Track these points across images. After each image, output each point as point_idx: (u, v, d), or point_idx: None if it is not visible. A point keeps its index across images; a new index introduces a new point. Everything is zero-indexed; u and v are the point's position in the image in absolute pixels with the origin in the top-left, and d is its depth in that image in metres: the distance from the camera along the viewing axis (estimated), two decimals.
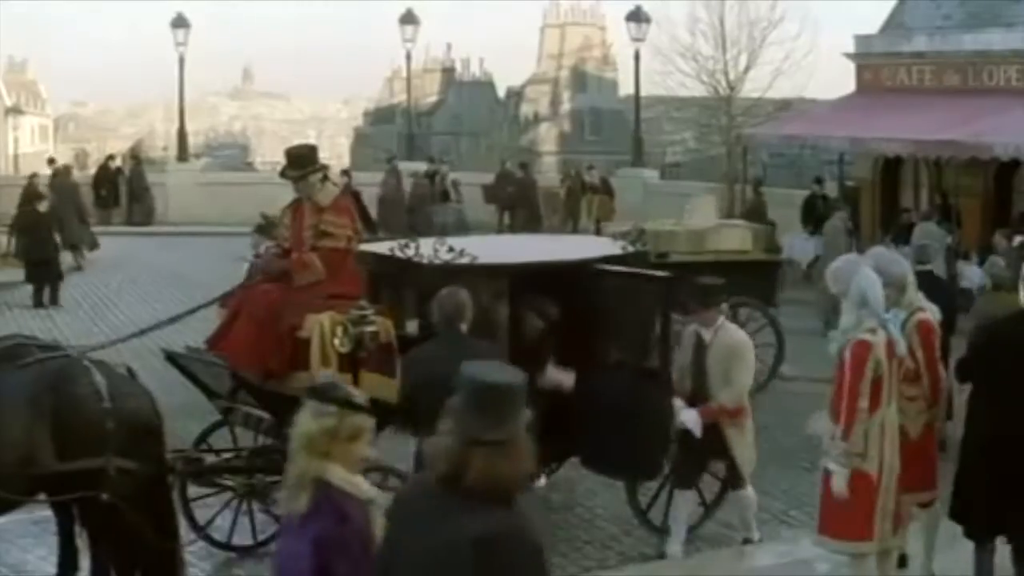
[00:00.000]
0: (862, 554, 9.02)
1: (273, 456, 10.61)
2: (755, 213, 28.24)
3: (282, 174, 10.96)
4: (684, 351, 11.19)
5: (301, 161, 10.64)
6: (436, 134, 47.48)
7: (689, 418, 10.81)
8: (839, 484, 8.79)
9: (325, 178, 10.77)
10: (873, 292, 8.88)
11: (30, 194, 27.95)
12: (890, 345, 8.84)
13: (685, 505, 11.16)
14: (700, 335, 11.06)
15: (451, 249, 10.33)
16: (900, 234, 25.85)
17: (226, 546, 11.20)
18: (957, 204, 26.76)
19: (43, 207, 25.92)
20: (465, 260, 10.36)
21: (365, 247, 10.99)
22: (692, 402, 11.02)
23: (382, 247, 10.93)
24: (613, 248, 11.49)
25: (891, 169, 29.84)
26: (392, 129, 48.63)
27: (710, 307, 11.06)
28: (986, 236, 25.36)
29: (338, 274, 10.48)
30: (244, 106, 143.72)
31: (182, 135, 40.51)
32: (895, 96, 28.10)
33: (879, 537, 8.93)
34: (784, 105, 37.30)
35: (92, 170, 40.68)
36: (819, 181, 30.30)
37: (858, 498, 8.82)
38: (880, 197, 29.87)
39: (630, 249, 11.48)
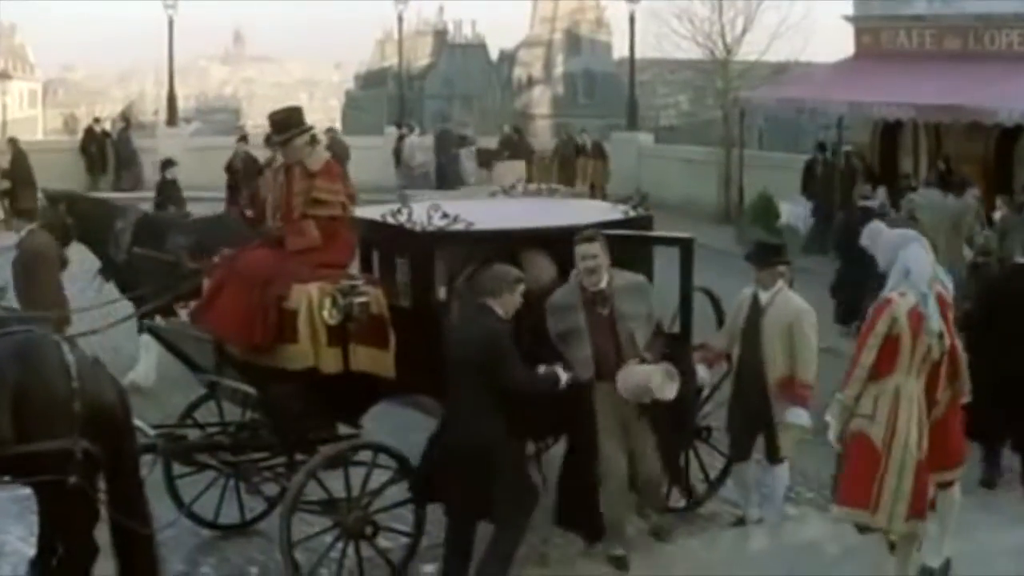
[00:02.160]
0: (864, 526, 8.67)
1: (259, 432, 10.23)
2: None
3: (267, 140, 10.52)
4: (737, 313, 10.88)
5: (285, 124, 10.16)
6: (428, 97, 47.00)
7: (800, 417, 10.53)
8: (831, 436, 8.69)
9: (313, 140, 10.29)
10: (917, 267, 8.71)
11: None
12: (917, 315, 8.53)
13: (747, 474, 11.06)
14: (757, 297, 10.75)
15: (445, 215, 9.86)
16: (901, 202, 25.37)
17: (212, 525, 10.81)
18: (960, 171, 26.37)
19: None
20: (460, 226, 9.88)
21: (355, 213, 10.51)
22: (740, 369, 10.79)
23: (373, 212, 10.45)
24: (615, 212, 11.00)
25: (890, 135, 29.43)
26: (383, 93, 48.14)
27: (765, 267, 10.76)
28: (988, 204, 24.87)
29: (332, 243, 10.04)
30: (235, 70, 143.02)
31: (171, 99, 40.03)
32: (895, 60, 27.71)
33: (886, 513, 8.53)
34: (781, 68, 36.83)
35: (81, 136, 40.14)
36: (822, 147, 29.88)
37: (860, 463, 8.57)
38: (879, 163, 29.38)
39: (632, 214, 11.00)
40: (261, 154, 26.64)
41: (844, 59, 30.21)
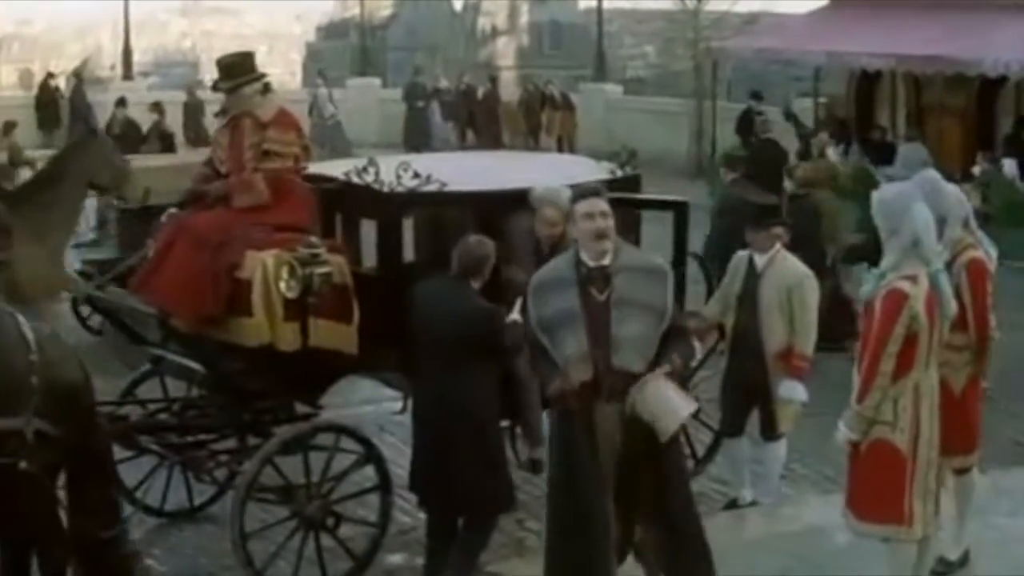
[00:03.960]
0: (897, 540, 7.69)
1: (208, 410, 9.34)
2: None
3: (214, 87, 9.58)
4: (732, 280, 10.10)
5: (234, 70, 9.23)
6: (391, 49, 45.97)
7: (795, 391, 9.84)
8: (839, 441, 7.64)
9: (266, 89, 9.35)
10: (928, 236, 7.51)
11: None
12: (932, 302, 7.47)
13: (740, 451, 10.28)
14: (752, 261, 9.98)
15: (417, 174, 8.93)
16: (878, 155, 24.61)
17: (159, 512, 9.94)
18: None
19: None
20: (433, 187, 8.97)
21: (316, 170, 9.58)
22: (735, 339, 10.02)
23: (336, 170, 9.53)
24: (600, 171, 10.09)
25: (866, 86, 28.66)
26: (346, 44, 47.14)
27: (760, 229, 10.00)
28: (967, 159, 24.46)
29: (285, 200, 9.14)
30: (194, 22, 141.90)
31: (127, 53, 39.47)
32: (873, 8, 26.74)
33: (921, 522, 7.60)
34: (752, 19, 36.00)
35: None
36: (757, 96, 29.09)
37: (886, 474, 7.49)
38: (855, 115, 28.64)
39: (620, 173, 10.11)
40: (147, 118, 26.37)
41: (821, 7, 29.31)
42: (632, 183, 10.12)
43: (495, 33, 45.43)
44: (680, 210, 9.79)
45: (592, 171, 10.12)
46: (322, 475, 8.62)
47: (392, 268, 9.06)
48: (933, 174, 8.44)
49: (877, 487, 7.52)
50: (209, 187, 9.35)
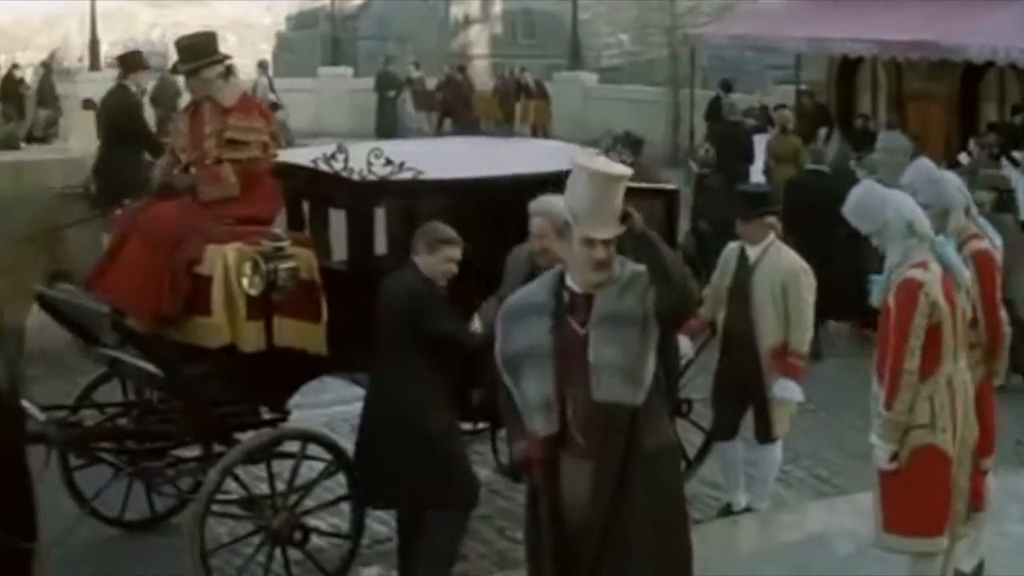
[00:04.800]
0: (931, 554, 7.08)
1: (169, 416, 8.72)
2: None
3: (173, 69, 8.96)
4: (723, 273, 9.51)
5: (194, 52, 8.61)
6: (362, 38, 45.28)
7: (791, 391, 9.27)
8: (877, 460, 6.96)
9: (228, 72, 8.72)
10: (917, 215, 6.96)
11: None
12: (949, 283, 6.90)
13: (733, 454, 9.71)
14: (744, 253, 9.40)
15: (389, 161, 8.31)
16: (859, 143, 23.95)
17: (117, 522, 9.29)
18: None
19: None
20: (407, 174, 8.36)
21: (281, 158, 8.94)
22: (727, 337, 9.44)
23: (302, 157, 8.90)
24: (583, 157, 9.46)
25: (846, 73, 28.12)
26: (316, 34, 46.42)
27: (752, 219, 9.38)
28: (951, 146, 23.99)
29: (252, 192, 8.55)
30: (163, 13, 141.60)
31: (94, 43, 39.15)
32: None
33: (952, 524, 7.01)
34: (727, 6, 35.44)
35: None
36: (727, 85, 28.52)
37: (931, 483, 6.89)
38: (836, 103, 28.09)
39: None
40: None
41: None
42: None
43: (468, 22, 44.76)
44: (670, 199, 9.26)
45: (579, 155, 9.49)
46: (289, 485, 8.04)
47: (363, 262, 8.46)
48: (928, 163, 7.95)
49: (921, 498, 6.92)
50: (175, 179, 8.74)
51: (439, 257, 7.66)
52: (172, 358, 8.19)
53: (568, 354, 5.79)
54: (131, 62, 14.26)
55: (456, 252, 7.68)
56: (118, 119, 13.76)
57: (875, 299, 7.05)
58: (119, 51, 42.71)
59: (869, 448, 6.96)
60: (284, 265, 7.98)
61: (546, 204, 7.55)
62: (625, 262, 5.86)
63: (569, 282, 5.89)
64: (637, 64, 40.18)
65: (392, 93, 34.47)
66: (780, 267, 9.27)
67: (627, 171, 5.91)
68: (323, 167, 8.45)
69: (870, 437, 7.01)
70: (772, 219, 9.55)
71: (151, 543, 9.21)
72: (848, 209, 7.18)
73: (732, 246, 9.56)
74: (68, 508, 8.80)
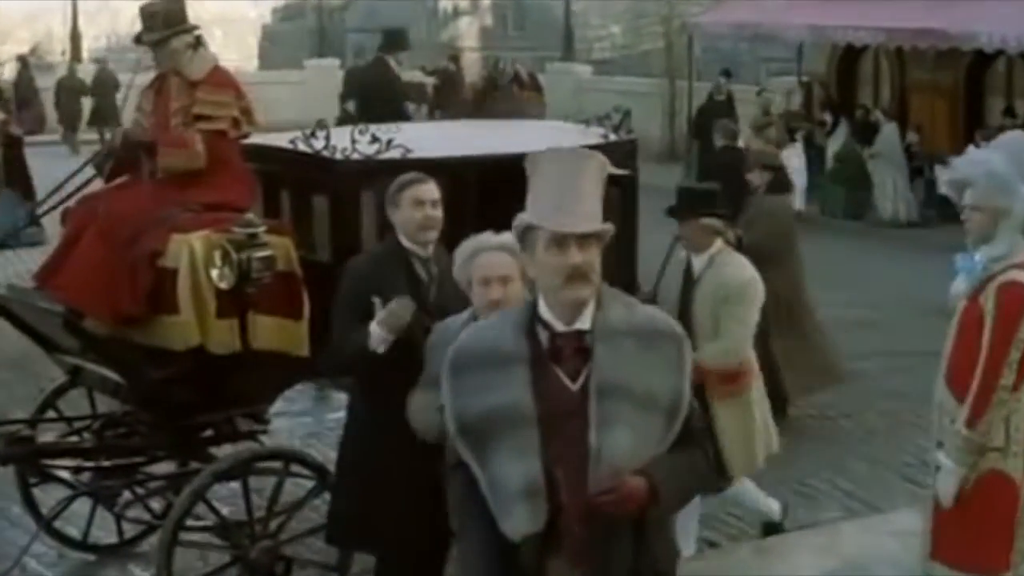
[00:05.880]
0: None
1: (136, 428, 7.81)
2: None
3: (137, 39, 8.06)
4: (671, 284, 8.15)
5: (161, 20, 7.73)
6: (349, 31, 44.50)
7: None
8: (945, 486, 6.07)
9: (198, 43, 7.81)
10: None
11: None
12: None
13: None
14: (690, 264, 7.96)
15: (375, 139, 7.41)
16: (861, 135, 23.98)
17: (81, 545, 8.38)
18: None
19: None
20: (395, 153, 7.50)
21: (256, 139, 8.04)
22: None
23: (280, 139, 8.00)
24: (587, 136, 8.59)
25: (848, 63, 27.49)
26: (303, 26, 45.75)
27: (687, 219, 7.84)
28: (956, 138, 23.40)
29: (219, 174, 7.66)
30: None
31: (75, 36, 38.74)
32: None
33: (1015, 562, 6.12)
34: None
35: None
36: (727, 73, 27.86)
37: (997, 512, 6.03)
38: (837, 93, 27.43)
39: (613, 137, 8.63)
40: None
41: None
42: (629, 148, 8.65)
43: (457, 13, 44.08)
44: (626, 186, 8.38)
45: (583, 136, 8.62)
46: (268, 510, 7.14)
47: (349, 252, 7.46)
48: (1017, 133, 6.93)
49: (983, 529, 6.03)
50: (131, 132, 7.85)
51: (404, 207, 6.34)
52: (135, 363, 7.32)
53: (557, 420, 4.22)
54: None
55: (420, 191, 6.34)
56: None
57: (958, 287, 6.15)
58: (103, 45, 42.22)
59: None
60: (258, 254, 7.07)
61: (502, 239, 5.51)
62: (632, 302, 4.40)
63: (545, 314, 4.29)
64: (630, 56, 39.61)
65: None
66: (723, 281, 7.73)
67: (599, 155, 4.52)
68: (302, 147, 7.57)
69: (937, 457, 6.10)
70: (714, 221, 7.88)
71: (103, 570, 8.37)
72: (979, 173, 6.09)
73: (681, 256, 8.15)
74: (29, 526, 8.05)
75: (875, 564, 7.70)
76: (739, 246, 8.21)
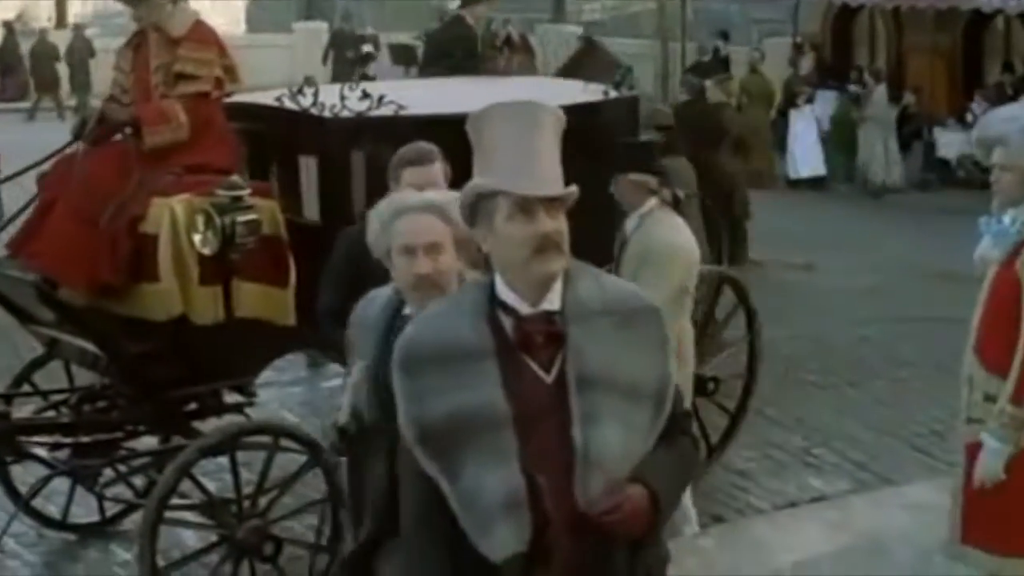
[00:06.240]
0: None
1: (116, 402, 7.46)
2: None
3: None
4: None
5: None
6: None
7: None
8: (991, 465, 5.69)
9: None
10: None
11: None
12: None
13: None
14: (624, 225, 7.34)
15: (366, 95, 7.05)
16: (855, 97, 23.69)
17: (61, 524, 8.03)
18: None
19: None
20: (388, 110, 7.13)
21: (240, 98, 7.68)
22: None
23: (265, 97, 7.65)
24: (586, 93, 8.24)
25: (843, 24, 27.19)
26: None
27: (619, 173, 7.21)
28: (956, 99, 23.52)
29: (202, 136, 7.31)
30: None
31: (60, 2, 39.04)
32: None
33: None
34: None
35: None
36: (724, 35, 27.74)
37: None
38: (831, 55, 27.20)
39: (614, 94, 8.29)
40: None
41: None
42: (631, 105, 8.30)
43: None
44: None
45: (582, 93, 8.27)
46: (256, 488, 6.79)
47: (339, 216, 7.19)
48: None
49: (1008, 510, 5.70)
50: (110, 111, 7.47)
51: (402, 185, 5.76)
52: (114, 334, 6.99)
53: (533, 419, 3.64)
54: None
55: (417, 174, 5.81)
56: None
57: (986, 251, 5.81)
58: (90, 11, 42.02)
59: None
60: (242, 218, 6.74)
61: (431, 198, 4.65)
62: (598, 273, 3.82)
63: (505, 296, 3.70)
64: (619, 18, 39.48)
65: (351, 54, 33.22)
66: (647, 243, 7.09)
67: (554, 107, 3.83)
68: (289, 105, 7.21)
69: (980, 435, 5.75)
70: (646, 177, 7.23)
71: (84, 550, 8.01)
72: (1015, 129, 5.78)
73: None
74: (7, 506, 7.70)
75: (889, 540, 7.38)
76: (675, 205, 7.59)
